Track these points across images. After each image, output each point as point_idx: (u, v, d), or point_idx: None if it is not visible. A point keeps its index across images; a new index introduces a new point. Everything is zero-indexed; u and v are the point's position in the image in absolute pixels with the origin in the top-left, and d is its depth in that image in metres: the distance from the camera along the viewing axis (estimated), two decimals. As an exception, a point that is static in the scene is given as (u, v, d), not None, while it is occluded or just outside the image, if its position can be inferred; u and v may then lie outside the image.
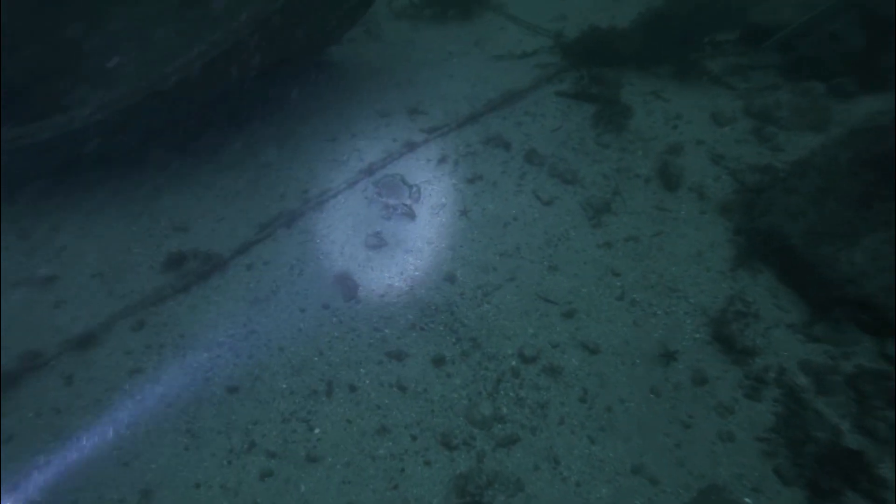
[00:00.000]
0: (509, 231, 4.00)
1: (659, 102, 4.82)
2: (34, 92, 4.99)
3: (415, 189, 4.20)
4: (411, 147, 4.51)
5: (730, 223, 3.90)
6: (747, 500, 2.79)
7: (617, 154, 4.43)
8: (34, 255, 4.30)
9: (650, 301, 3.57)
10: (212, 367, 3.51)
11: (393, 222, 4.10)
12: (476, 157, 4.45)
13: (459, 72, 5.27)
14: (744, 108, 4.63)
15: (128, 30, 5.39)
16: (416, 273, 3.83)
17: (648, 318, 3.50)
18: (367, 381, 3.35)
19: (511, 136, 4.57)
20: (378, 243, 3.97)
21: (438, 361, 3.38)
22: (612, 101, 4.72)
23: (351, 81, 5.31)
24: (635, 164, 4.34)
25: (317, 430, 3.18)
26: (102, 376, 3.57)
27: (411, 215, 4.10)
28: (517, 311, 3.59)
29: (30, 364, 3.64)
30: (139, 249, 4.23)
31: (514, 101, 4.84)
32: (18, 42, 5.01)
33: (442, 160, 4.44)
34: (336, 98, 5.15)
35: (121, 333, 3.73)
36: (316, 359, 3.47)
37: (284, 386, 3.37)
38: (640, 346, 3.38)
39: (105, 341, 3.72)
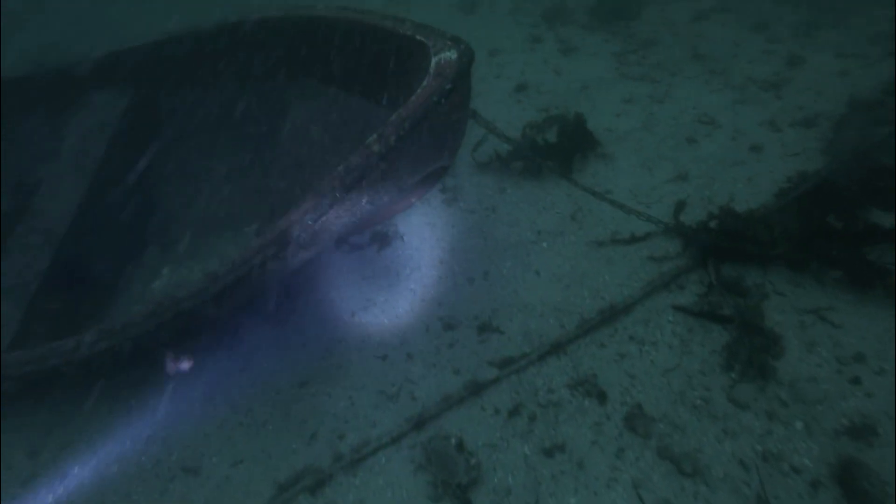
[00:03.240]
0: (597, 557, 2.72)
1: (824, 329, 3.35)
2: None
3: (473, 463, 3.05)
4: (476, 389, 3.38)
5: None
6: None
7: (761, 422, 3.01)
8: (34, 481, 3.64)
9: None
10: None
11: (440, 513, 2.97)
12: (559, 412, 3.22)
13: (549, 263, 4.09)
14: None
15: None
16: None
17: None
18: None
19: (609, 379, 3.31)
20: (416, 551, 2.85)
21: None
22: (753, 327, 3.33)
23: (416, 267, 4.31)
24: (792, 447, 2.89)
25: None
26: None
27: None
28: None
29: None
30: (139, 495, 3.42)
31: (617, 319, 3.59)
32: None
33: (514, 412, 3.26)
34: (395, 292, 4.17)
35: None
36: None
37: None
38: None
39: None
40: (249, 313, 4.20)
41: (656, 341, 3.44)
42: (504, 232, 4.44)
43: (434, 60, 3.09)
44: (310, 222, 3.05)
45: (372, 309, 4.11)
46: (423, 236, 4.56)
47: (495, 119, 5.41)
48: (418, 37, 3.39)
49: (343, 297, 4.28)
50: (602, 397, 3.22)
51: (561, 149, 4.95)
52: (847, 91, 5.12)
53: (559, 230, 4.33)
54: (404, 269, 4.33)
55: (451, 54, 3.09)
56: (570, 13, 7.97)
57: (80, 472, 3.64)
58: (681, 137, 5.18)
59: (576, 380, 3.32)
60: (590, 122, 5.13)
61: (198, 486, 3.39)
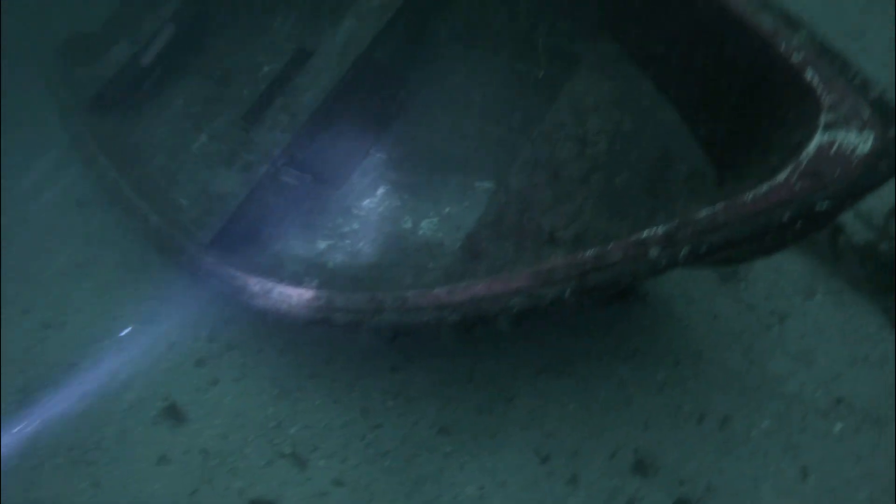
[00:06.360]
0: None
1: None
2: None
3: None
4: None
5: None
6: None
7: None
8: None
9: None
10: None
11: None
12: None
13: (832, 465, 2.48)
14: None
15: None
16: None
17: None
18: None
19: None
20: None
21: None
22: None
23: (650, 350, 3.07)
24: None
25: None
26: None
27: None
28: None
29: None
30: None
31: None
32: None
33: None
34: (597, 375, 3.04)
35: None
36: None
37: None
38: None
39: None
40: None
41: None
42: (781, 366, 2.89)
43: (815, 140, 1.68)
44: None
45: (563, 378, 3.09)
46: (672, 309, 3.25)
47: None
48: (807, 74, 1.89)
49: (528, 348, 3.31)
50: None
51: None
52: None
53: (878, 416, 2.65)
54: (643, 346, 3.12)
55: (857, 140, 1.65)
56: None
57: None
58: None
59: None
60: None
61: None
